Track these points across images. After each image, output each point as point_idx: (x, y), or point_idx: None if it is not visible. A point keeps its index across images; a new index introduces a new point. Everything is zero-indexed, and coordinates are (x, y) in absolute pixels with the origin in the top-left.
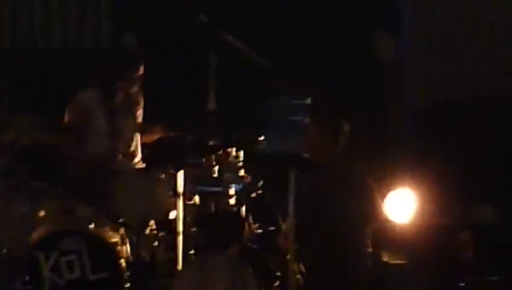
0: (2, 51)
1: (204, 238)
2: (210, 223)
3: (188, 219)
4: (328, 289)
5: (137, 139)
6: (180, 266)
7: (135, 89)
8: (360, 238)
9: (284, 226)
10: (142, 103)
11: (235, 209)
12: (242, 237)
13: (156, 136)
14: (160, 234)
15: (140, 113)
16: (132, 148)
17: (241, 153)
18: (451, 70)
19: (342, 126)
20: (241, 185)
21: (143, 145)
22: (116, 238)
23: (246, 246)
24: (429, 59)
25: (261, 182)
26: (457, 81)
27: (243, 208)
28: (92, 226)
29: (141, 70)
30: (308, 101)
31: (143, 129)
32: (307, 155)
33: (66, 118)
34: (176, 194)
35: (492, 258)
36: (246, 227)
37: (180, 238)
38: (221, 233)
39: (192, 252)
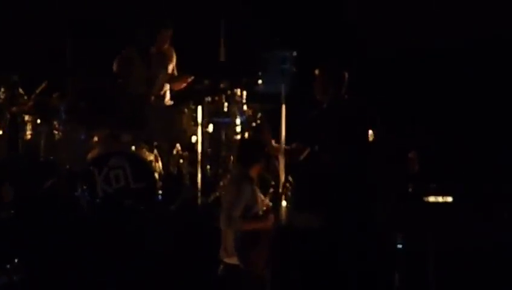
0: None
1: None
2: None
3: (205, 142)
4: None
5: (167, 85)
6: (199, 179)
7: (166, 46)
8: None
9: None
10: (174, 57)
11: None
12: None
13: (183, 83)
14: (184, 154)
15: (172, 65)
16: (163, 92)
17: (245, 93)
18: None
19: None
20: (244, 117)
21: (174, 89)
22: (151, 157)
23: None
24: None
25: (259, 115)
26: None
27: (246, 134)
28: (133, 148)
29: (170, 32)
30: (294, 53)
31: (173, 78)
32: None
33: (114, 68)
34: (196, 124)
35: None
36: None
37: (199, 156)
38: (246, 155)
39: (208, 167)
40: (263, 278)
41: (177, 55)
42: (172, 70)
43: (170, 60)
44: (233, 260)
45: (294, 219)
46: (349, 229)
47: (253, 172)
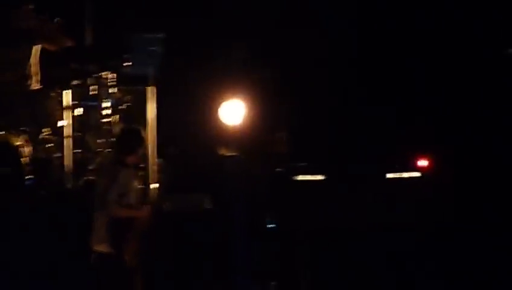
0: None
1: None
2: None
3: (74, 126)
4: None
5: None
6: (68, 163)
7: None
8: None
9: None
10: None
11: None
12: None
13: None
14: (52, 138)
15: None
16: (28, 74)
17: (113, 76)
18: None
19: None
20: (113, 100)
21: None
22: (18, 142)
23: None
24: None
25: (128, 97)
26: None
27: (115, 117)
28: (1, 133)
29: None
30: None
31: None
32: None
33: None
34: (63, 108)
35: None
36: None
37: (70, 140)
38: (124, 144)
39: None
40: (134, 267)
41: None
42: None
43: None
44: (104, 248)
45: (176, 202)
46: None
47: (130, 160)
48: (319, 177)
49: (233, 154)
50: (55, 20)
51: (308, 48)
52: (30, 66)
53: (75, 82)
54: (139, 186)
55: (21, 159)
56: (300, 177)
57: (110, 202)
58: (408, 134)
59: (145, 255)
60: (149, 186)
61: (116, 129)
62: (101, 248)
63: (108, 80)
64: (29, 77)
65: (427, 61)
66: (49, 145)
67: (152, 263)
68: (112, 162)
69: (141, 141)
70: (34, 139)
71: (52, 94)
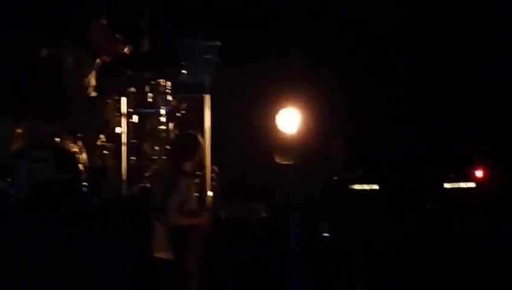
0: None
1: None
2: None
3: (130, 133)
4: None
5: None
6: (124, 170)
7: (98, 38)
8: None
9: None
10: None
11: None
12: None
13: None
14: (108, 145)
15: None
16: (87, 83)
17: (169, 83)
18: None
19: None
20: (169, 108)
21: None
22: (75, 149)
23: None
24: None
25: (184, 105)
26: None
27: (171, 124)
28: (57, 139)
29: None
30: (218, 43)
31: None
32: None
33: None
34: (120, 115)
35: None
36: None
37: (124, 148)
38: (182, 150)
39: (133, 158)
40: (197, 275)
41: None
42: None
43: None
44: (166, 255)
45: (232, 210)
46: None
47: (187, 167)
48: (375, 186)
49: (289, 162)
50: (118, 36)
51: (366, 57)
52: (89, 75)
53: (131, 89)
54: (197, 193)
55: (78, 166)
56: (356, 186)
57: (170, 211)
58: (464, 143)
59: (203, 261)
60: (206, 193)
61: (172, 136)
62: (163, 254)
63: (165, 88)
64: (86, 84)
65: (486, 70)
66: (105, 152)
67: (208, 270)
68: (169, 169)
69: (198, 146)
70: (90, 146)
71: (109, 101)
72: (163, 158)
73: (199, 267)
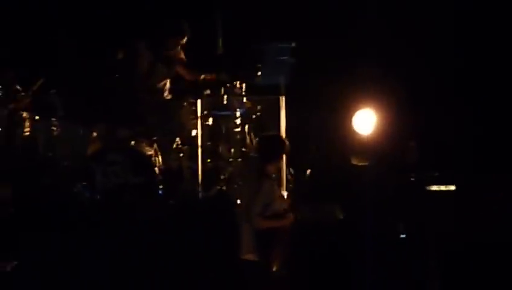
0: None
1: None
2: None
3: (205, 136)
4: None
5: (167, 79)
6: (200, 172)
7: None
8: None
9: None
10: (181, 59)
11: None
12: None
13: (187, 76)
14: (184, 148)
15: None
16: (161, 86)
17: (244, 85)
18: None
19: None
20: (244, 110)
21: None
22: (150, 152)
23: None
24: None
25: (259, 107)
26: None
27: (246, 127)
28: (132, 142)
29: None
30: (293, 44)
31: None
32: None
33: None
34: (195, 117)
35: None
36: (248, 141)
37: (200, 150)
38: (267, 152)
39: (209, 160)
40: (282, 276)
41: None
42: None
43: (177, 55)
44: (252, 257)
45: (309, 212)
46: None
47: (272, 169)
48: (451, 187)
49: (365, 163)
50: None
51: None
52: (165, 78)
53: (206, 92)
54: (281, 194)
55: (154, 169)
56: (433, 187)
57: (254, 215)
58: None
59: (288, 263)
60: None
61: (248, 139)
62: (249, 256)
63: (240, 90)
64: (162, 87)
65: None
66: (181, 155)
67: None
68: (253, 171)
69: (284, 148)
70: (166, 149)
71: (185, 104)
72: (244, 160)
73: (284, 269)
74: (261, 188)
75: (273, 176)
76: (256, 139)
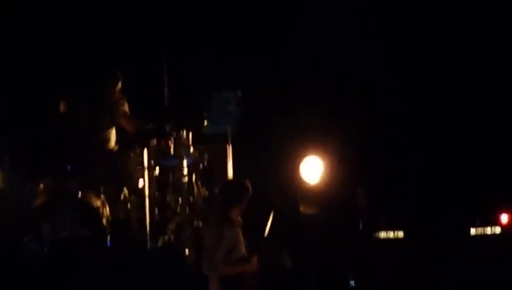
0: None
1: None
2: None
3: (152, 186)
4: None
5: (113, 129)
6: (147, 223)
7: (116, 94)
8: None
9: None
10: (124, 105)
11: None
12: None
13: (128, 127)
14: (131, 199)
15: (121, 110)
16: (107, 137)
17: (190, 135)
18: None
19: None
20: (191, 159)
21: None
22: (98, 203)
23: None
24: None
25: (206, 155)
26: None
27: (194, 176)
28: (79, 195)
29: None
30: (239, 93)
31: (117, 124)
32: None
33: (61, 109)
34: (142, 168)
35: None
36: (196, 190)
37: (147, 201)
38: (228, 197)
39: (156, 211)
40: None
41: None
42: (124, 113)
43: (119, 107)
44: None
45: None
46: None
47: (235, 214)
48: (400, 233)
49: (314, 211)
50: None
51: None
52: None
53: (153, 141)
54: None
55: (101, 220)
56: (381, 234)
57: (218, 262)
58: (490, 185)
59: None
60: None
61: (195, 188)
62: None
63: (187, 139)
64: (108, 138)
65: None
66: (129, 205)
67: None
68: (216, 219)
69: (246, 192)
70: (113, 200)
71: (131, 154)
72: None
73: None
74: (224, 234)
75: (239, 219)
76: (220, 186)
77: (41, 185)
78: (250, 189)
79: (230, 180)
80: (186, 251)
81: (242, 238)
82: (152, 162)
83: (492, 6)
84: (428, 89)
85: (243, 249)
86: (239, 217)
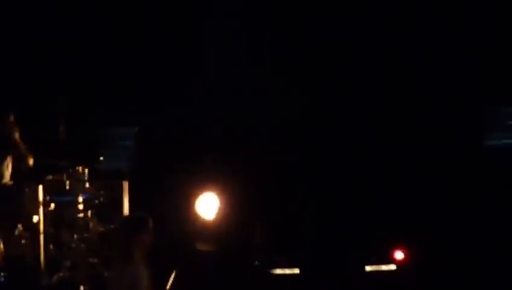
0: None
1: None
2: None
3: (47, 222)
4: None
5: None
6: (42, 259)
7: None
8: None
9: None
10: (19, 142)
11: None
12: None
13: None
14: (26, 234)
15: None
16: (1, 172)
17: (86, 170)
18: None
19: None
20: (87, 195)
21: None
22: None
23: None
24: None
25: (101, 191)
26: None
27: (89, 212)
28: None
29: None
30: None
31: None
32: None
33: None
34: (37, 203)
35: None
36: (92, 226)
37: (42, 237)
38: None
39: (51, 247)
40: None
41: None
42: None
43: (14, 144)
44: None
45: None
46: None
47: (136, 248)
48: (296, 270)
49: (210, 249)
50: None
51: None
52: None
53: (48, 177)
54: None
55: None
56: (277, 271)
57: None
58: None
59: None
60: None
61: (91, 224)
62: None
63: (82, 175)
64: (2, 172)
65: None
66: (23, 241)
67: None
68: (115, 254)
69: (147, 223)
70: (7, 236)
71: (26, 189)
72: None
73: None
74: (123, 273)
75: (141, 256)
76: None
77: None
78: (150, 223)
79: (129, 215)
80: (82, 288)
81: (145, 277)
82: (47, 197)
83: None
84: (319, 128)
85: (145, 286)
86: (141, 254)
